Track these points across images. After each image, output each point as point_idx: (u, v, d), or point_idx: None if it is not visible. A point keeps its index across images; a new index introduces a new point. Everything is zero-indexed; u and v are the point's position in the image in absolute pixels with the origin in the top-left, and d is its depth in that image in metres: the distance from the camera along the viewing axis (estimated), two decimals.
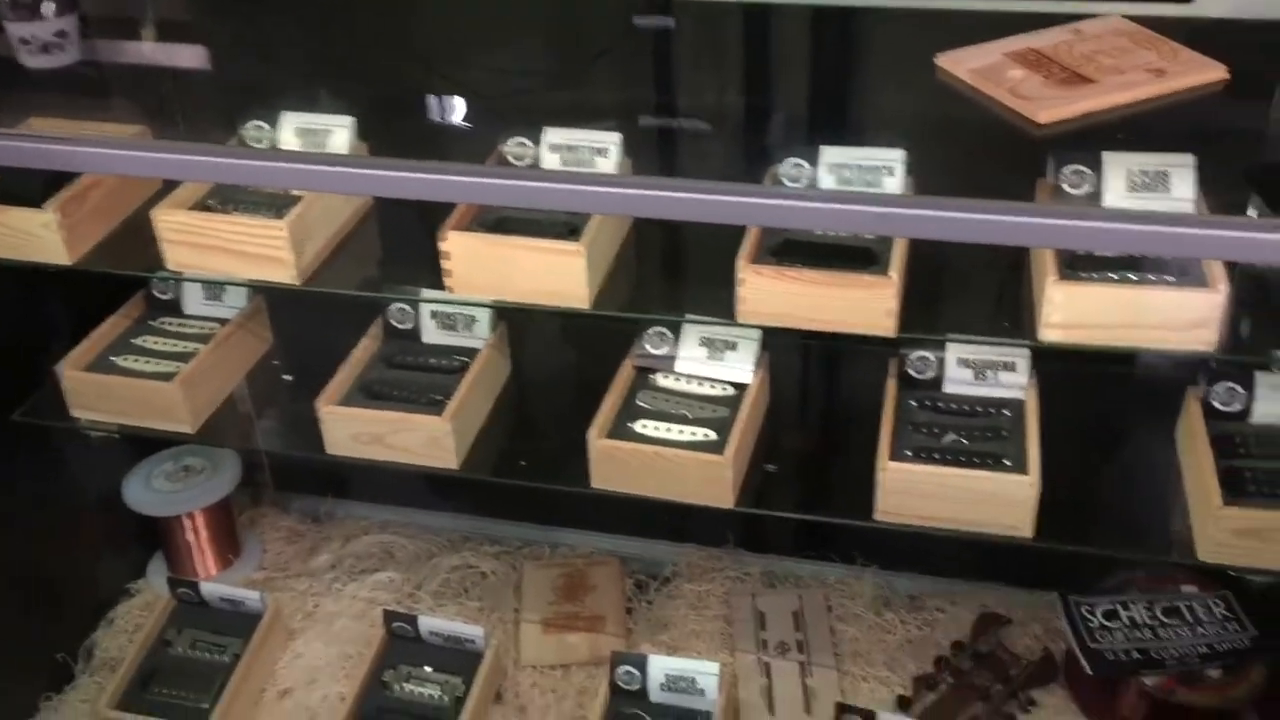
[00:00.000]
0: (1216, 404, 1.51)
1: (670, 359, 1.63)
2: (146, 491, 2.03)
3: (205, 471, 2.08)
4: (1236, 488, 1.41)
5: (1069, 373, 1.61)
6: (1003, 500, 1.44)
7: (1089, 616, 1.79)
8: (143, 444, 2.07)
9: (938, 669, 1.87)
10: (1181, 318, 1.31)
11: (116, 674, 1.88)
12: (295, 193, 1.57)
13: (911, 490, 1.46)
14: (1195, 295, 1.31)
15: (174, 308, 1.82)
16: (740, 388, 1.61)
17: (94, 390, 1.68)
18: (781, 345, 1.69)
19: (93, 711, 1.86)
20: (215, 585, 1.96)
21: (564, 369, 1.81)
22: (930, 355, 1.59)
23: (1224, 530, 1.38)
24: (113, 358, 1.73)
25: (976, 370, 1.58)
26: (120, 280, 1.78)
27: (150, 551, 2.15)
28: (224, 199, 1.60)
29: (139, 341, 1.76)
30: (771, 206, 1.05)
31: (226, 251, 1.52)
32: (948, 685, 1.84)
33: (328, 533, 2.22)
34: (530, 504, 2.19)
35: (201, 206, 1.57)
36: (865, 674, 1.89)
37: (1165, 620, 1.78)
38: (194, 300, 1.82)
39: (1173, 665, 1.72)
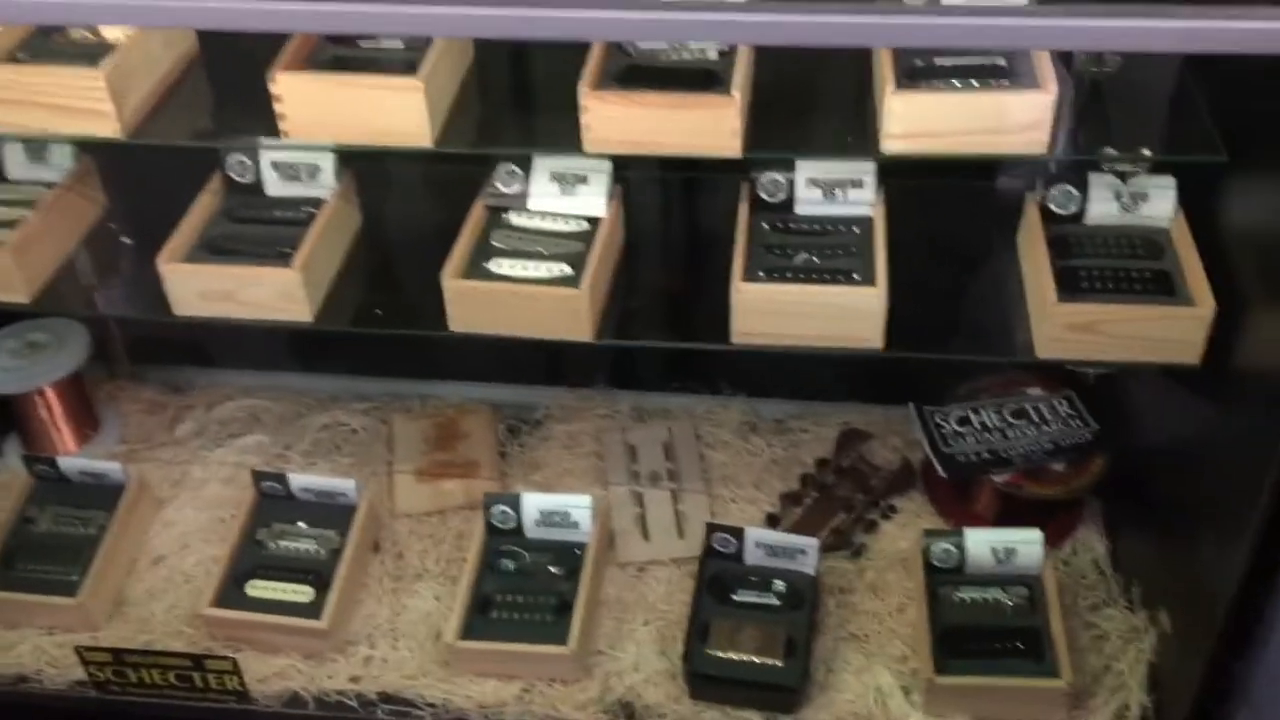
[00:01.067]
0: (1053, 207, 1.56)
1: (522, 196, 1.61)
2: None
3: (51, 346, 2.00)
4: (1071, 285, 1.47)
5: (916, 188, 1.64)
6: (853, 313, 1.47)
7: (942, 424, 1.87)
8: None
9: (803, 486, 1.94)
10: (1014, 120, 1.34)
11: None
12: (110, 40, 1.49)
13: (766, 310, 1.49)
14: (1027, 96, 1.34)
15: None
16: (594, 221, 1.60)
17: None
18: (635, 180, 1.69)
19: None
20: (74, 459, 1.91)
21: (416, 215, 1.78)
22: (780, 177, 1.60)
23: (1059, 326, 1.44)
24: None
25: (825, 189, 1.60)
26: None
27: (3, 433, 2.08)
28: (34, 51, 1.51)
29: None
30: (611, 20, 1.03)
31: (43, 106, 1.44)
32: (813, 499, 1.92)
33: (189, 401, 2.17)
34: (396, 358, 2.17)
35: (10, 59, 1.48)
36: (735, 496, 1.95)
37: (1013, 421, 1.87)
38: (16, 164, 1.72)
39: (1019, 462, 1.81)
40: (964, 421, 1.87)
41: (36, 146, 1.70)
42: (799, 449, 2.02)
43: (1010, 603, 1.72)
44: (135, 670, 1.72)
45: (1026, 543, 1.72)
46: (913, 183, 1.64)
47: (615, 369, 2.15)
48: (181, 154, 1.74)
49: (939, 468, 1.80)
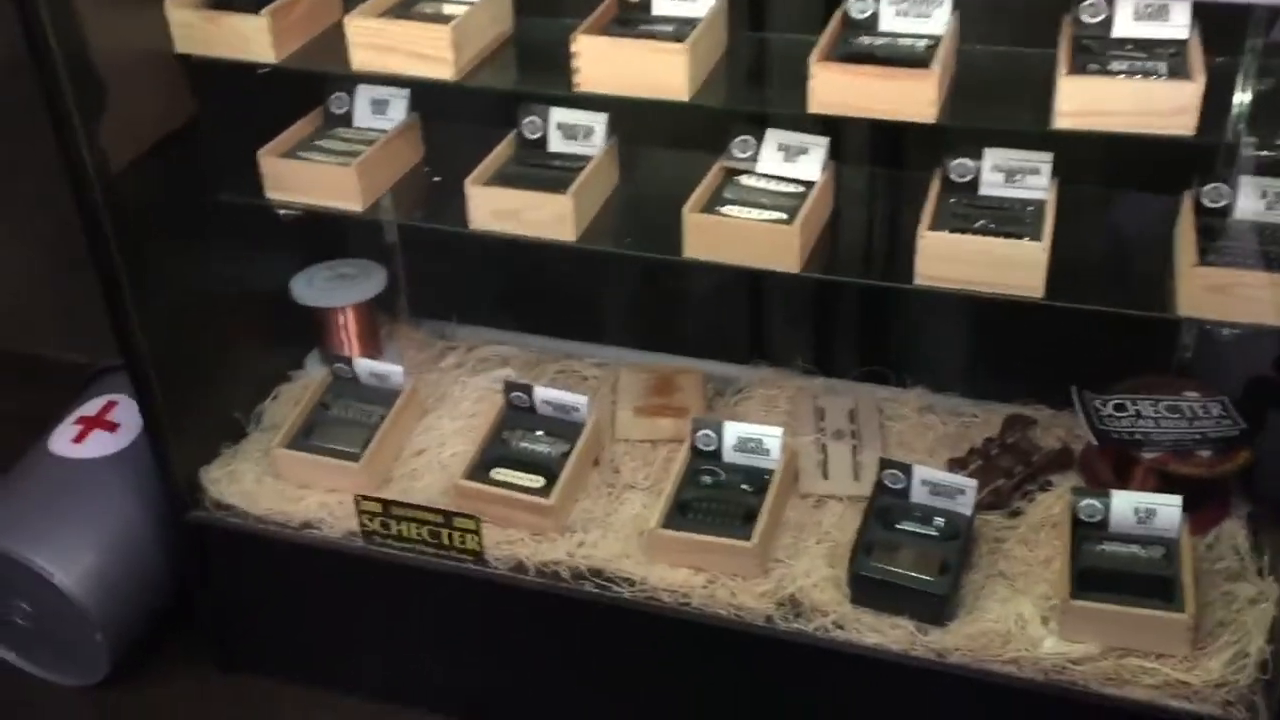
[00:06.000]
0: (1206, 202, 1.82)
1: (753, 161, 1.98)
2: (309, 289, 2.44)
3: (357, 278, 2.47)
4: (1212, 259, 1.72)
5: (1089, 188, 1.93)
6: (1020, 263, 1.76)
7: (1100, 407, 2.09)
8: (308, 257, 2.48)
9: (969, 454, 2.19)
10: (1167, 105, 1.63)
11: (284, 426, 2.28)
12: (449, 13, 1.95)
13: (945, 256, 1.79)
14: (1179, 85, 1.62)
15: (346, 120, 2.21)
16: (809, 186, 1.95)
17: (286, 173, 2.08)
18: (849, 168, 2.04)
19: (265, 451, 2.27)
20: (366, 361, 2.35)
21: (665, 176, 2.15)
22: (969, 162, 1.91)
23: (1198, 287, 1.69)
24: (300, 152, 2.12)
25: (1007, 175, 1.90)
26: (307, 93, 2.19)
27: (308, 349, 2.55)
28: (396, 14, 1.98)
29: (319, 143, 2.16)
30: None
31: (402, 53, 1.90)
32: (977, 465, 2.16)
33: (453, 344, 2.60)
34: (628, 329, 2.55)
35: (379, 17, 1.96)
36: (908, 458, 2.21)
37: (1167, 414, 2.08)
38: (362, 114, 2.20)
39: (1168, 446, 2.02)
40: (1120, 408, 2.09)
41: (379, 101, 2.19)
42: (970, 429, 2.28)
43: (1146, 556, 1.92)
44: (397, 522, 2.11)
45: (1167, 505, 1.92)
46: (1087, 183, 1.93)
47: (812, 352, 2.46)
48: (484, 124, 2.19)
49: (1092, 437, 2.03)
